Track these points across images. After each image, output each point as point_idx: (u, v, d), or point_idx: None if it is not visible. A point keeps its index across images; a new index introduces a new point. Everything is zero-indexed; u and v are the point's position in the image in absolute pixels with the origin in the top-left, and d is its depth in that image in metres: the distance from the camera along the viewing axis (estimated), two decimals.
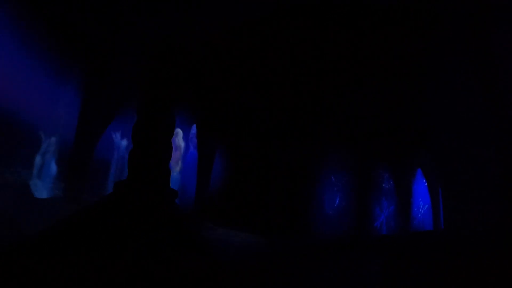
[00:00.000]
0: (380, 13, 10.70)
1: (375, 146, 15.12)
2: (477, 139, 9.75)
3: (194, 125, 16.68)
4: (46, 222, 7.19)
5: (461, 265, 6.80)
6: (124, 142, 17.31)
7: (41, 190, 13.07)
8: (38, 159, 13.40)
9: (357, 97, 13.50)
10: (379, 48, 11.81)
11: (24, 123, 12.60)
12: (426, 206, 15.77)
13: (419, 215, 15.82)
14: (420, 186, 15.49)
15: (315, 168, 15.13)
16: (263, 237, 10.59)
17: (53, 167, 13.75)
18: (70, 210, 8.43)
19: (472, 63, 10.28)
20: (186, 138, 17.22)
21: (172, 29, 9.74)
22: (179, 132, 17.22)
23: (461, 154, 10.18)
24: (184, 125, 17.10)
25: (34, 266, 5.05)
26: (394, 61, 12.06)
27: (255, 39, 11.98)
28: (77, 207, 9.07)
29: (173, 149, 17.33)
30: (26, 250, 5.73)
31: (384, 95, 13.15)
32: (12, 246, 5.84)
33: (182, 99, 14.29)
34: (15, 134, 12.64)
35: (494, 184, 9.05)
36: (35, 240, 6.01)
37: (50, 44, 12.16)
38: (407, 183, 14.40)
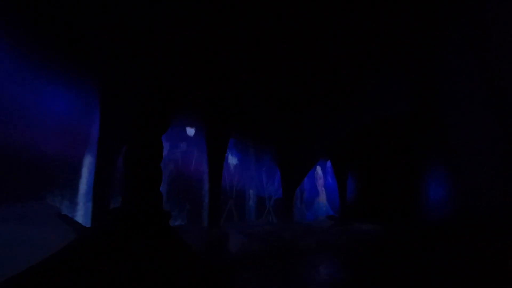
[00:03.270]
0: None
1: None
2: None
3: (329, 161, 26.04)
4: None
5: None
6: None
7: None
8: None
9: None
10: None
11: None
12: None
13: None
14: None
15: (421, 172, 21.74)
16: (381, 225, 18.63)
17: None
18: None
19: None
20: (324, 170, 26.64)
21: None
22: (318, 167, 26.83)
23: None
24: (322, 161, 26.61)
25: None
26: None
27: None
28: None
29: (317, 179, 27.39)
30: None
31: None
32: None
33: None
34: None
35: None
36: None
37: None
38: None
